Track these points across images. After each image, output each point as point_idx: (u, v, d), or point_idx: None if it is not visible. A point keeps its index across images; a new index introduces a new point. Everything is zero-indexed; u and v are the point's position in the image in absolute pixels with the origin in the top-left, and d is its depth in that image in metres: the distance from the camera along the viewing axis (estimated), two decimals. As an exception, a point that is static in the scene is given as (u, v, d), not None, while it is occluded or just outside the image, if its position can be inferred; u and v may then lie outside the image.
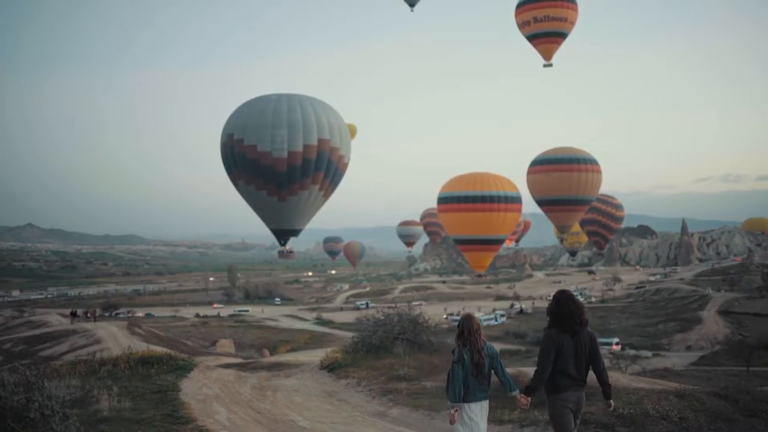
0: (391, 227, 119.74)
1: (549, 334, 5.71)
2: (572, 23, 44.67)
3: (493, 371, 6.11)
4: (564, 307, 5.70)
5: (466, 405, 5.95)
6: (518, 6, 45.42)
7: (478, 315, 75.49)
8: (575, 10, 44.46)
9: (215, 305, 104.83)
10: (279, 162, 28.17)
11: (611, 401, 5.99)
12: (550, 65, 45.76)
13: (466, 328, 6.05)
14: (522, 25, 45.24)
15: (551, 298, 5.99)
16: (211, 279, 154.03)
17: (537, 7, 44.07)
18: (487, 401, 6.12)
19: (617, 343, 46.96)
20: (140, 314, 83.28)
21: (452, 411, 5.99)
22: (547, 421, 8.14)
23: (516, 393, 5.98)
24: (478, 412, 5.99)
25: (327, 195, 30.61)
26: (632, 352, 46.57)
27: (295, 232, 31.98)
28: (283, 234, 31.95)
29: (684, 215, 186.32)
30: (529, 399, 5.86)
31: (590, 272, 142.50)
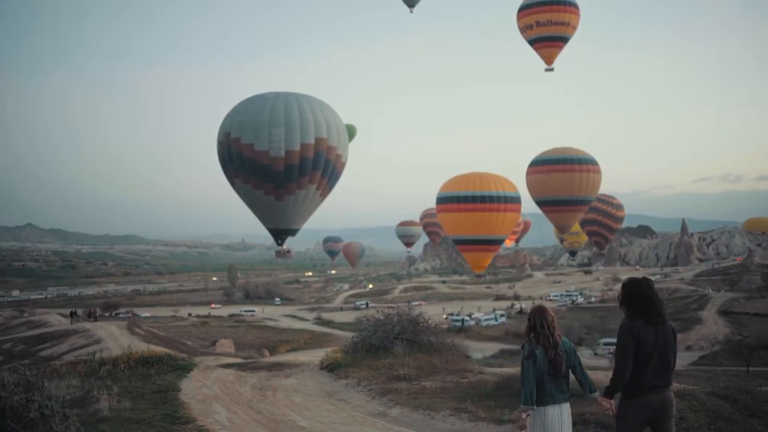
0: (390, 227, 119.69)
1: (627, 325, 5.02)
2: (574, 27, 44.59)
3: (570, 370, 5.38)
4: (644, 291, 5.05)
5: (541, 409, 5.22)
6: (520, 9, 45.30)
7: (477, 315, 75.80)
8: (577, 14, 44.35)
9: (213, 305, 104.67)
10: (276, 161, 28.13)
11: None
12: (552, 69, 45.68)
13: (539, 320, 5.32)
14: (524, 29, 45.14)
15: (622, 287, 5.23)
16: (213, 279, 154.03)
17: (539, 11, 43.96)
18: (568, 404, 5.37)
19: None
20: (146, 314, 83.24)
21: (524, 415, 5.25)
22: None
23: (597, 395, 5.29)
24: (557, 416, 5.27)
25: (324, 194, 30.59)
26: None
27: (293, 232, 31.96)
28: (280, 233, 31.92)
29: (684, 215, 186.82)
30: (612, 402, 5.14)
31: (587, 272, 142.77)
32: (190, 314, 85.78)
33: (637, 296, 5.05)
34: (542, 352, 5.23)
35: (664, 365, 5.01)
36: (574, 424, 7.73)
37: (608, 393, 5.14)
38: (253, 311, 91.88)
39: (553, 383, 5.25)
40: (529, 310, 5.90)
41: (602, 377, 8.55)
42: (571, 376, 5.46)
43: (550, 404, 5.24)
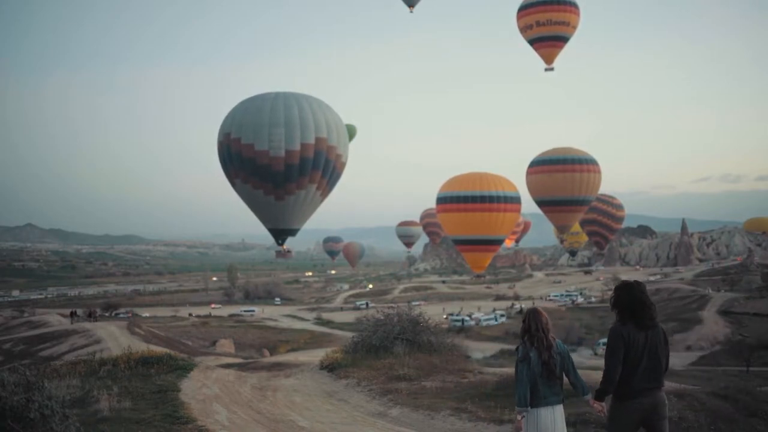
0: (390, 227, 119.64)
1: (616, 328, 5.07)
2: (574, 27, 44.60)
3: (564, 372, 5.45)
4: (635, 295, 5.08)
5: (535, 410, 5.29)
6: (520, 9, 45.30)
7: (477, 315, 75.81)
8: (577, 14, 44.36)
9: (213, 305, 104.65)
10: (276, 161, 28.13)
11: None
12: (552, 69, 45.68)
13: (533, 323, 5.42)
14: (524, 29, 45.13)
15: (614, 290, 5.28)
16: (213, 279, 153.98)
17: (539, 11, 43.95)
18: (561, 406, 5.45)
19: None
20: (145, 314, 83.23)
21: (518, 417, 5.33)
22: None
23: (589, 397, 5.36)
24: (550, 418, 5.34)
25: (325, 194, 30.58)
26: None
27: (293, 232, 31.95)
28: (280, 234, 31.91)
29: (684, 215, 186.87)
30: (604, 405, 5.22)
31: (586, 272, 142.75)
32: (191, 314, 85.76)
33: (629, 300, 5.10)
34: (536, 355, 5.31)
35: (655, 368, 5.06)
36: (575, 424, 7.77)
37: (599, 396, 5.20)
38: (253, 311, 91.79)
39: (546, 385, 5.32)
40: (523, 311, 5.98)
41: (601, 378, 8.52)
42: (565, 379, 5.50)
43: (544, 406, 5.31)
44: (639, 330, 5.03)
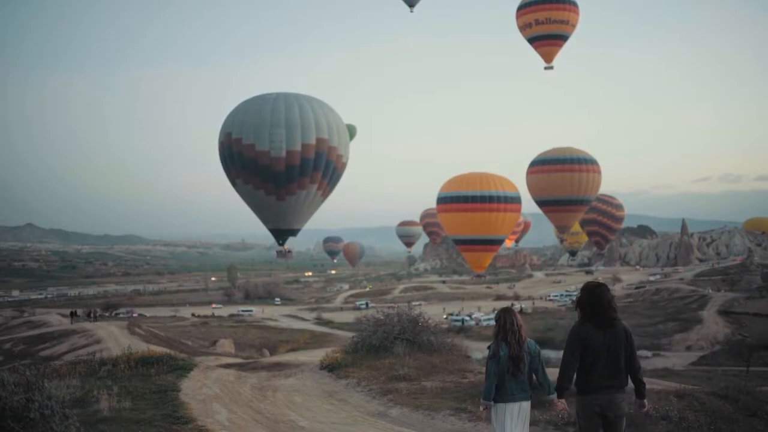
0: (391, 227, 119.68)
1: (575, 328, 5.31)
2: (573, 26, 44.68)
3: (533, 372, 5.69)
4: (596, 297, 5.30)
5: (503, 405, 5.57)
6: (519, 8, 45.39)
7: (477, 315, 75.82)
8: (576, 12, 44.46)
9: (213, 305, 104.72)
10: (277, 161, 28.19)
11: (645, 400, 5.54)
12: (551, 68, 45.80)
13: (508, 319, 5.66)
14: (523, 28, 45.21)
15: (580, 290, 5.54)
16: (213, 279, 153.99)
17: (538, 10, 44.04)
18: (528, 403, 5.70)
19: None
20: (135, 314, 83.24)
21: (482, 409, 5.70)
22: (548, 421, 8.16)
23: (554, 396, 5.57)
24: (516, 413, 5.58)
25: (325, 195, 30.61)
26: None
27: (294, 232, 31.99)
28: (281, 234, 31.96)
29: (684, 215, 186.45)
30: (564, 402, 5.45)
31: (587, 272, 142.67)
32: (194, 314, 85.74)
33: (589, 301, 5.33)
34: (506, 353, 5.55)
35: (614, 367, 5.26)
36: (574, 423, 7.77)
37: (559, 393, 5.42)
38: (251, 311, 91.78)
39: (514, 381, 5.57)
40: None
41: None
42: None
43: (511, 401, 5.57)
44: (597, 329, 5.23)
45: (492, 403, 5.58)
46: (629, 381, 5.44)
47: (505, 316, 5.72)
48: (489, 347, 5.74)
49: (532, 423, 8.38)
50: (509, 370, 5.52)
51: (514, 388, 5.56)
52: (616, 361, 5.27)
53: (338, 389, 12.28)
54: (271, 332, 66.98)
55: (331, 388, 12.47)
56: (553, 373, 5.71)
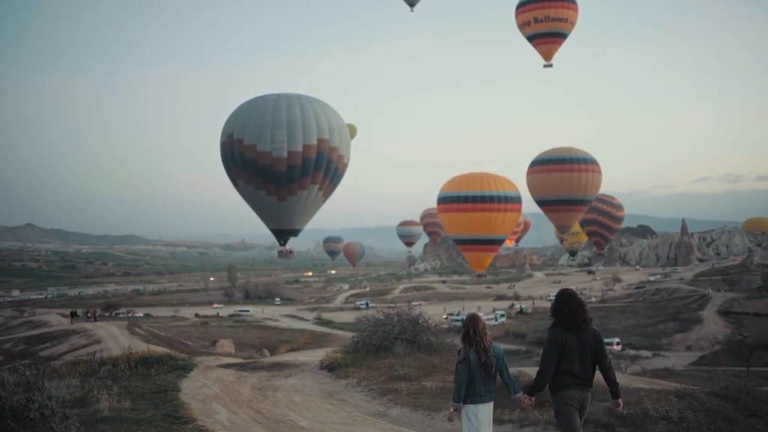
0: (391, 227, 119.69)
1: (552, 333, 5.69)
2: (572, 24, 44.72)
3: (498, 372, 6.06)
4: (565, 305, 5.67)
5: (472, 406, 5.93)
6: (518, 6, 45.44)
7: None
8: (575, 10, 44.50)
9: (214, 305, 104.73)
10: (278, 161, 28.18)
11: (620, 400, 5.89)
12: (550, 65, 45.84)
13: (472, 327, 6.00)
14: (522, 26, 45.26)
15: (554, 297, 5.95)
16: (212, 279, 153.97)
17: (537, 8, 44.10)
18: (492, 403, 6.11)
19: (617, 343, 47.02)
20: (140, 314, 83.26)
21: (451, 409, 6.03)
22: (548, 421, 8.16)
23: (519, 395, 5.97)
24: (485, 413, 5.98)
25: (326, 195, 30.60)
26: (632, 352, 46.61)
27: (295, 232, 31.98)
28: (282, 234, 31.95)
29: (684, 215, 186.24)
30: (533, 399, 5.88)
31: (590, 272, 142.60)
32: (197, 314, 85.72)
33: (560, 308, 5.71)
34: (475, 357, 5.90)
35: (586, 368, 5.67)
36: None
37: (531, 391, 5.83)
38: (248, 311, 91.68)
39: (482, 384, 5.95)
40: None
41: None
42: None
43: (479, 402, 5.96)
44: (569, 332, 5.64)
45: (462, 404, 5.94)
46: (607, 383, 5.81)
47: (468, 325, 6.06)
48: (459, 352, 6.06)
49: (533, 423, 8.42)
50: (480, 374, 5.90)
51: (483, 390, 5.94)
52: (587, 361, 5.66)
53: (338, 389, 12.28)
54: (271, 332, 66.99)
55: (331, 388, 12.47)
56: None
